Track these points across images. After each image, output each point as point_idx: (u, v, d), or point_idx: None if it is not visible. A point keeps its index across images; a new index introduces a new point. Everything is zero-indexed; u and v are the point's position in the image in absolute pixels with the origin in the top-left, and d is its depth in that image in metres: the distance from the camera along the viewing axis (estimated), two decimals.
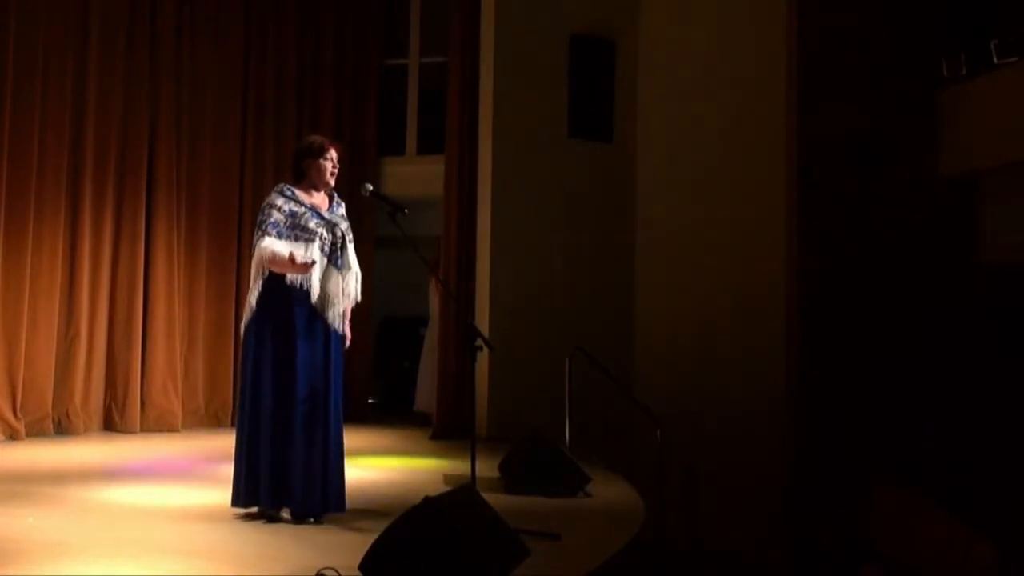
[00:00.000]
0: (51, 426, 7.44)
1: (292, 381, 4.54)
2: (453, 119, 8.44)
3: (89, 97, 7.73)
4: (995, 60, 7.93)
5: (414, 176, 9.20)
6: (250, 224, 8.17)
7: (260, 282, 4.60)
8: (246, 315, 4.66)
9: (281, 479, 4.52)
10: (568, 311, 8.25)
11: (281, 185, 4.80)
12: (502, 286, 8.22)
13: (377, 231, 8.97)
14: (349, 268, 4.75)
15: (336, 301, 4.67)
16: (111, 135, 7.86)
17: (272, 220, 4.61)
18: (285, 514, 4.55)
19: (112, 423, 7.78)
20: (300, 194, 4.73)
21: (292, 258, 4.49)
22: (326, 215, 4.75)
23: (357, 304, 4.88)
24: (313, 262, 4.54)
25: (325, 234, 4.68)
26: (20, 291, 7.27)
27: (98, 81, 7.78)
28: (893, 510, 5.91)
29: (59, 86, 7.54)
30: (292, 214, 4.64)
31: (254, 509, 4.61)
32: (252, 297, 4.63)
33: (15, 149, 7.29)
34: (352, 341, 4.89)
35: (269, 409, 4.54)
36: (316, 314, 4.61)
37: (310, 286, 4.58)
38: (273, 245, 4.56)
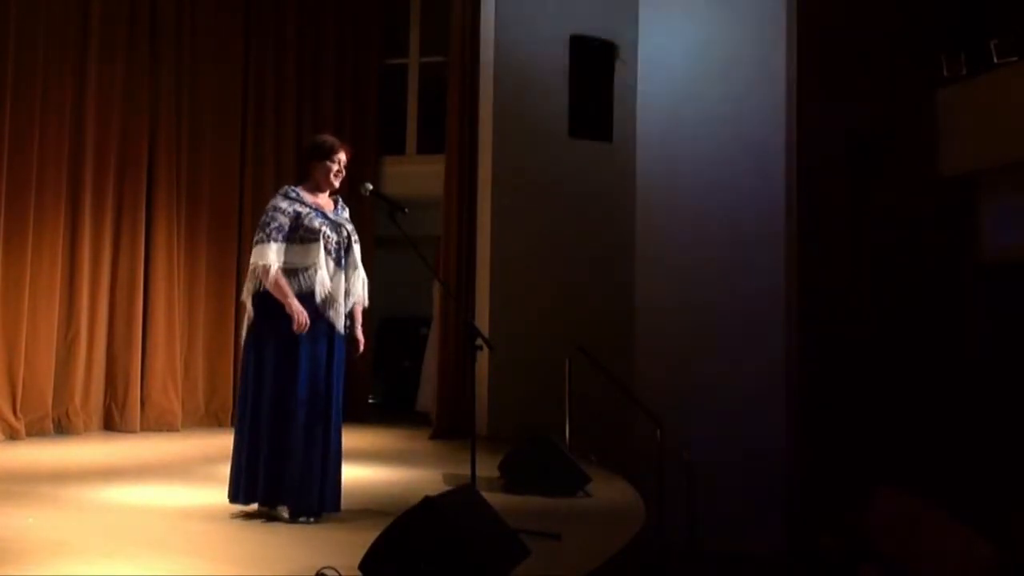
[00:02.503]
0: (51, 426, 7.43)
1: (294, 380, 4.53)
2: (453, 119, 8.44)
3: (89, 97, 7.73)
4: (995, 60, 7.94)
5: (414, 176, 9.20)
6: (250, 224, 8.18)
7: (254, 291, 4.55)
8: (246, 315, 4.63)
9: (280, 477, 4.51)
10: (568, 311, 8.25)
11: (285, 188, 4.76)
12: (502, 286, 8.22)
13: (377, 231, 8.96)
14: (355, 269, 4.74)
15: (339, 301, 4.66)
16: (111, 135, 7.85)
17: (276, 224, 4.56)
18: (284, 512, 4.55)
19: (112, 423, 7.78)
20: (304, 195, 4.71)
21: (290, 299, 4.47)
22: (331, 216, 4.75)
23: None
24: (307, 321, 4.48)
25: (330, 234, 4.66)
26: (20, 291, 7.26)
27: (98, 81, 7.77)
28: (893, 510, 5.90)
29: (59, 86, 7.54)
30: (296, 215, 4.60)
31: (253, 507, 4.60)
32: (248, 301, 4.59)
33: (15, 149, 7.29)
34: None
35: (271, 407, 4.52)
36: (319, 314, 4.60)
37: (313, 286, 4.58)
38: (276, 264, 4.52)
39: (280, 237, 4.56)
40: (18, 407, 7.22)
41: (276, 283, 4.49)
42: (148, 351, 7.96)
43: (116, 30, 7.88)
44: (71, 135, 7.63)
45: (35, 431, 7.29)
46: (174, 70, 8.21)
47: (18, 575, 3.66)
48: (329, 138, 4.89)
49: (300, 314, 4.46)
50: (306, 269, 4.59)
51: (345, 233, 4.73)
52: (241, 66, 8.60)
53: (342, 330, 4.67)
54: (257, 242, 4.59)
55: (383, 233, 8.75)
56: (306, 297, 4.57)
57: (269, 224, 4.58)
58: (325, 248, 4.62)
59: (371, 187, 4.88)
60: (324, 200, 4.77)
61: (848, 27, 8.61)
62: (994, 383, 8.01)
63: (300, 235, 4.60)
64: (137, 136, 7.99)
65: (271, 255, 4.53)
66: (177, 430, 7.91)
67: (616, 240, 8.79)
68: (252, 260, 4.57)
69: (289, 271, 4.56)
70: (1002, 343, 8.14)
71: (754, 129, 8.62)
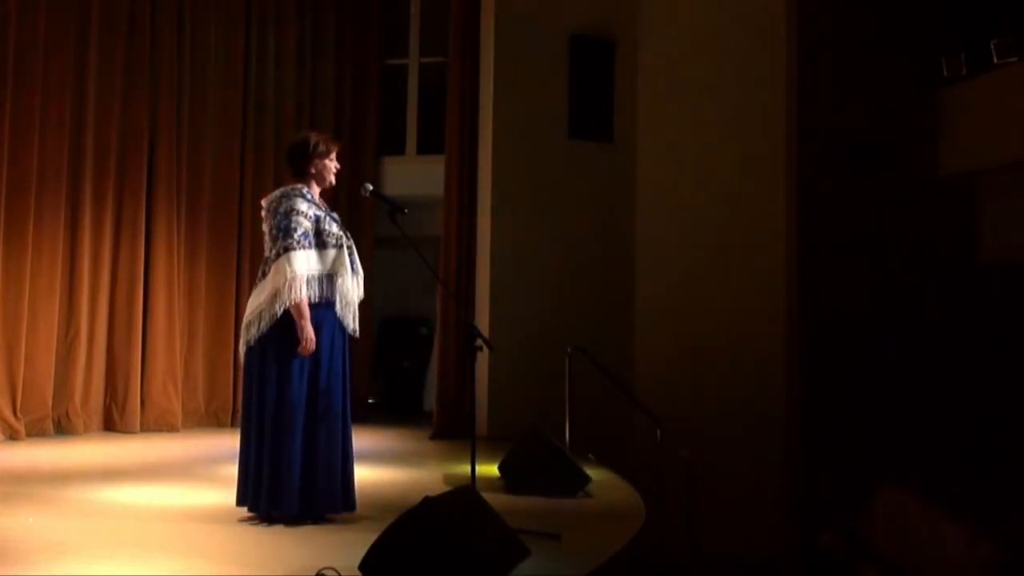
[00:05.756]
0: (51, 426, 7.44)
1: (316, 381, 4.54)
2: (453, 119, 8.44)
3: (89, 97, 7.73)
4: (995, 60, 7.93)
5: (414, 176, 9.20)
6: (250, 224, 8.20)
7: (286, 301, 4.43)
8: (263, 322, 4.50)
9: (315, 481, 4.48)
10: (568, 311, 8.25)
11: (297, 187, 4.65)
12: (502, 286, 8.22)
13: (377, 231, 8.97)
14: (360, 272, 4.75)
15: (354, 305, 4.69)
16: (111, 135, 7.86)
17: (302, 230, 4.50)
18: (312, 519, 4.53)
19: (112, 423, 7.79)
20: (313, 196, 4.70)
21: (306, 322, 4.43)
22: (336, 217, 4.75)
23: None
24: (314, 347, 4.47)
25: (344, 238, 4.67)
26: (20, 291, 7.27)
27: (98, 81, 7.78)
28: (893, 510, 5.90)
29: (59, 86, 7.55)
30: (316, 219, 4.58)
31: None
32: (273, 309, 4.45)
33: (15, 149, 7.30)
34: (352, 341, 4.88)
35: (301, 407, 4.49)
36: (335, 315, 4.62)
37: (336, 293, 4.58)
38: (307, 274, 4.48)
39: (308, 243, 4.52)
40: (18, 407, 7.23)
41: (300, 303, 4.44)
42: (148, 351, 7.96)
43: (116, 30, 7.89)
44: (71, 135, 7.64)
45: (35, 431, 7.30)
46: (174, 70, 8.21)
47: (18, 575, 3.66)
48: (320, 134, 4.85)
49: (311, 341, 4.45)
50: (332, 277, 4.59)
51: (348, 234, 4.74)
52: (241, 66, 8.60)
53: (356, 332, 4.71)
54: (285, 249, 4.47)
55: (383, 233, 8.75)
56: (330, 304, 4.58)
57: (295, 230, 4.50)
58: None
59: (371, 187, 4.87)
60: (320, 200, 4.77)
61: (848, 27, 8.60)
62: (994, 383, 8.00)
63: (323, 240, 4.57)
64: (137, 136, 8.00)
65: (302, 264, 4.48)
66: (177, 430, 7.91)
67: (616, 240, 8.78)
68: (281, 268, 4.46)
69: (318, 279, 4.54)
70: (1002, 343, 8.13)
71: (754, 129, 8.61)
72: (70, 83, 7.61)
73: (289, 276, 4.45)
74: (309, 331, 4.44)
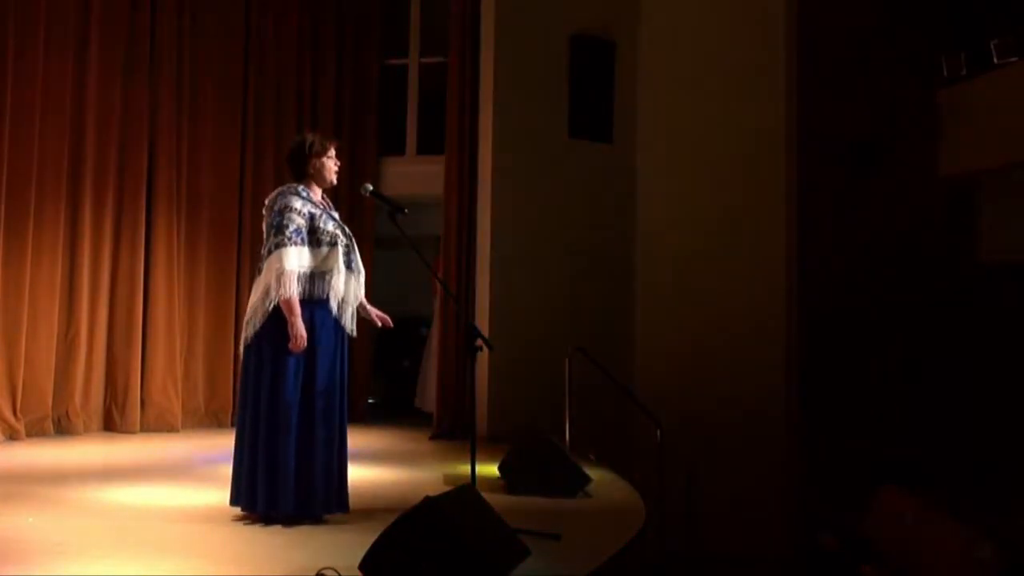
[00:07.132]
0: (51, 426, 7.43)
1: (312, 379, 4.53)
2: (453, 119, 8.44)
3: (89, 97, 7.73)
4: (995, 60, 7.95)
5: (414, 176, 9.20)
6: (251, 224, 8.20)
7: (275, 297, 4.43)
8: (256, 319, 4.50)
9: (310, 479, 4.47)
10: (568, 311, 8.25)
11: (294, 185, 4.65)
12: (502, 286, 8.22)
13: (377, 231, 8.97)
14: (360, 271, 4.74)
15: (351, 304, 4.68)
16: (111, 135, 7.85)
17: (295, 227, 4.49)
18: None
19: (112, 423, 7.78)
20: (312, 195, 4.70)
21: (296, 318, 4.41)
22: (335, 216, 4.74)
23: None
24: (304, 344, 4.43)
25: (341, 236, 4.65)
26: (20, 291, 7.26)
27: (98, 81, 7.77)
28: (893, 510, 5.90)
29: (59, 86, 7.54)
30: (311, 216, 4.56)
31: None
32: (264, 305, 4.46)
33: (15, 149, 7.29)
34: (352, 341, 4.86)
35: (295, 405, 4.48)
36: (331, 314, 4.62)
37: (330, 291, 4.57)
38: (298, 270, 4.47)
39: (300, 240, 4.50)
40: (18, 407, 7.22)
41: (290, 299, 4.42)
42: (148, 351, 7.95)
43: (116, 30, 7.88)
44: (71, 135, 7.62)
45: (35, 431, 7.30)
46: (174, 69, 8.20)
47: (18, 575, 3.66)
48: (316, 134, 4.84)
49: (301, 338, 4.43)
50: (324, 274, 4.57)
51: (348, 233, 4.73)
52: (241, 66, 8.59)
53: (353, 332, 4.70)
54: (277, 245, 4.47)
55: (383, 233, 8.74)
56: (324, 302, 4.57)
57: (287, 227, 4.49)
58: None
59: (371, 187, 4.86)
60: (321, 199, 4.76)
61: (848, 27, 8.61)
62: (994, 384, 8.01)
63: (317, 238, 4.56)
64: (137, 136, 7.99)
65: (293, 260, 4.47)
66: (177, 430, 7.91)
67: (616, 240, 8.78)
68: (272, 264, 4.46)
69: (309, 276, 4.54)
70: (1002, 343, 8.14)
71: (754, 129, 8.62)
72: (70, 83, 7.60)
73: (278, 272, 4.45)
74: (299, 328, 4.43)
